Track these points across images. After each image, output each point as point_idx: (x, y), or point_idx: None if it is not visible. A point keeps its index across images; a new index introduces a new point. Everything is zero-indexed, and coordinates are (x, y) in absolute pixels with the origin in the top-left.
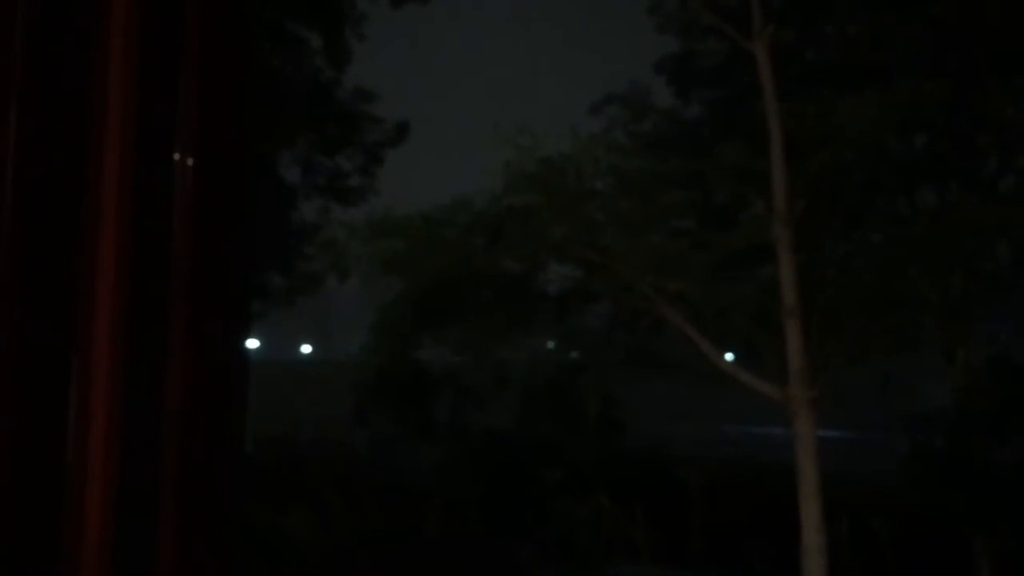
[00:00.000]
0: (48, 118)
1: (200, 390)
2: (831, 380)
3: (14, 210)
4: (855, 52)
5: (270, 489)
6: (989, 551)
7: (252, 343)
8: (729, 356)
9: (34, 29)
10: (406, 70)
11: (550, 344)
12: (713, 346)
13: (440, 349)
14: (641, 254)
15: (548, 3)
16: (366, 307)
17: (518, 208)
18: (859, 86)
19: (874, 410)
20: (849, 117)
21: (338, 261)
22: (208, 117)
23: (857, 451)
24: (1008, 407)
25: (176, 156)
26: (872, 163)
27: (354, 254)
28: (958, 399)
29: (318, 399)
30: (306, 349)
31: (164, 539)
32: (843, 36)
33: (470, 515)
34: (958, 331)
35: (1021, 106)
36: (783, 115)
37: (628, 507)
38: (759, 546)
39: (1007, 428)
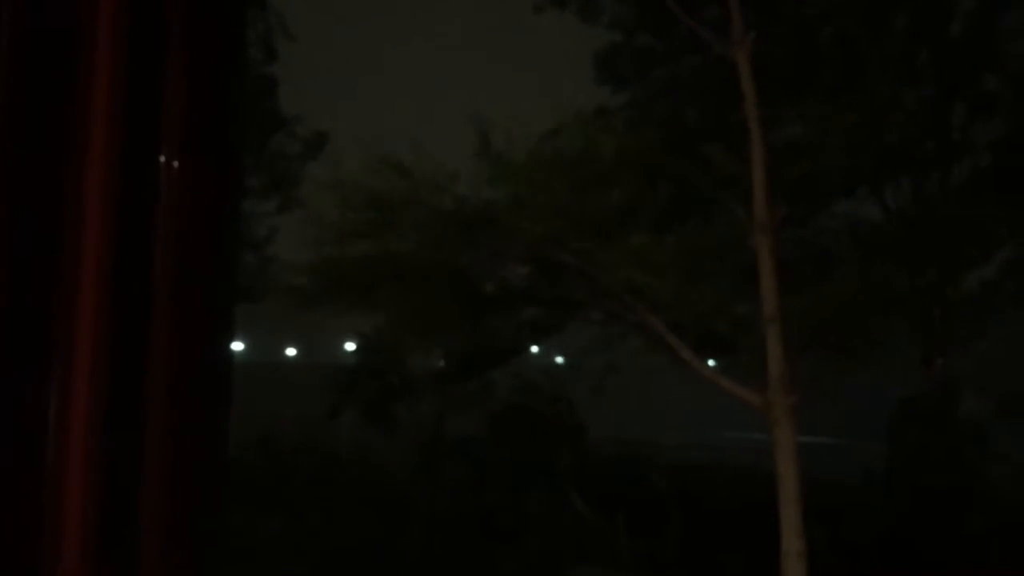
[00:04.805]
0: (34, 120)
1: (183, 391)
2: (811, 386)
3: None
4: (829, 59)
5: (252, 492)
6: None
7: (237, 345)
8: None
9: (20, 32)
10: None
11: (535, 349)
12: (694, 353)
13: (423, 358)
14: (616, 256)
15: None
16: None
17: (495, 205)
18: (834, 92)
19: (853, 416)
20: (829, 122)
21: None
22: (193, 120)
23: (835, 457)
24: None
25: (162, 158)
26: (850, 168)
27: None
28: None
29: (301, 401)
30: (291, 352)
31: (146, 539)
32: (818, 43)
33: (450, 521)
34: (935, 338)
35: (991, 111)
36: (764, 121)
37: (608, 513)
38: (739, 551)
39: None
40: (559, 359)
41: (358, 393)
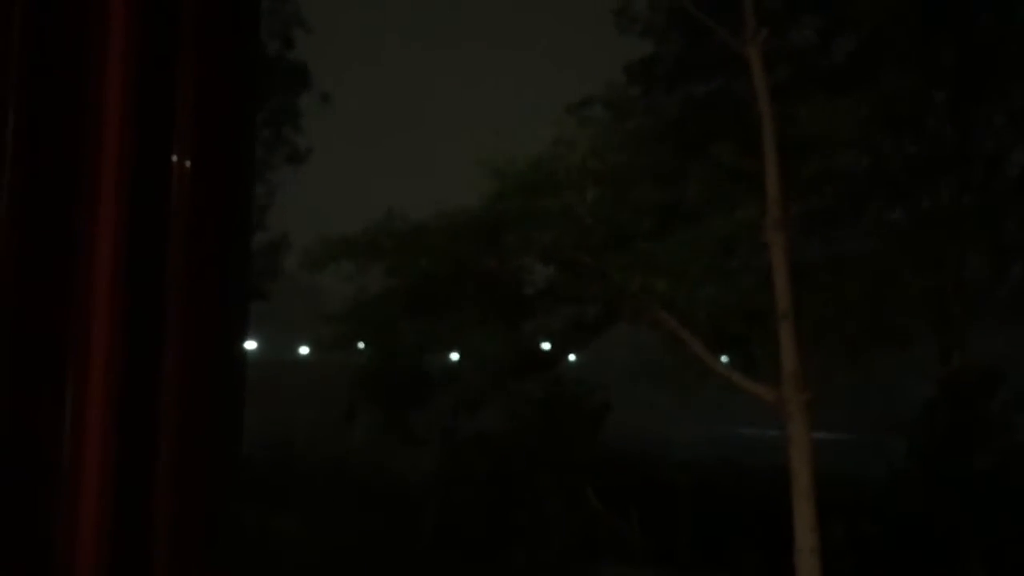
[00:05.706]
0: (45, 120)
1: (196, 392)
2: (825, 382)
3: (10, 211)
4: (847, 54)
5: (265, 492)
6: (979, 550)
7: (250, 344)
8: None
9: (31, 31)
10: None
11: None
12: (707, 349)
13: (435, 353)
14: (629, 255)
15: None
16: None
17: (511, 212)
18: (849, 87)
19: (870, 412)
20: (842, 117)
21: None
22: (205, 119)
23: (849, 453)
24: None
25: (173, 158)
26: (864, 165)
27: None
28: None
29: (314, 400)
30: (304, 351)
31: (159, 539)
32: (833, 38)
33: (464, 519)
34: (952, 334)
35: (1010, 111)
36: (776, 118)
37: (622, 509)
38: (752, 547)
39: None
40: (571, 357)
41: (374, 395)
